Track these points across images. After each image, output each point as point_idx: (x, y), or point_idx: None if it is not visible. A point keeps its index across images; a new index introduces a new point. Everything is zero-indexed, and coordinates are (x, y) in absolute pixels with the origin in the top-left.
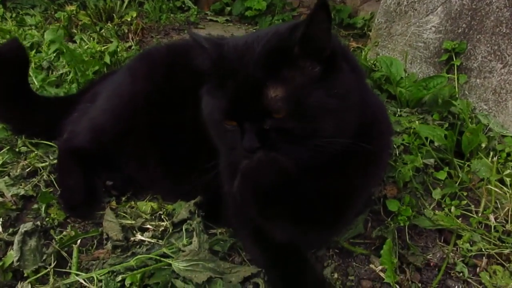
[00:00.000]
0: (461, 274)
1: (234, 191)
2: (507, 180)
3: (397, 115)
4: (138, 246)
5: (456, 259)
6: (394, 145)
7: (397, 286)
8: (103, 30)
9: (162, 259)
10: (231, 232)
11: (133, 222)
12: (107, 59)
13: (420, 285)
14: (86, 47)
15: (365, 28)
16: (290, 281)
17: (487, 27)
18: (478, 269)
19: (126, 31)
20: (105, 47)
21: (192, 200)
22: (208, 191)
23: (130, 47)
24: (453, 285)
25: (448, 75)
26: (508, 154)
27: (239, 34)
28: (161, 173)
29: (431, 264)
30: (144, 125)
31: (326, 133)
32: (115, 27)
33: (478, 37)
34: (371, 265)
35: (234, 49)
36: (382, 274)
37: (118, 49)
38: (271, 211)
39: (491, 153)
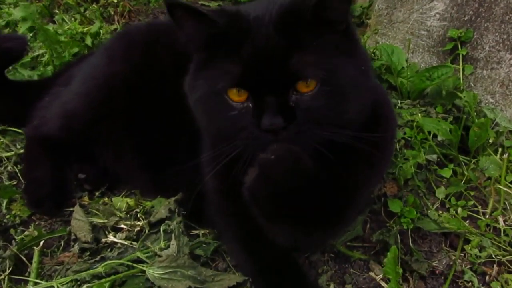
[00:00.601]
0: (470, 283)
1: (246, 187)
2: None
3: (397, 107)
4: (109, 249)
5: (464, 266)
6: (395, 139)
7: None
8: (87, 12)
9: (135, 265)
10: (216, 234)
11: (106, 221)
12: (88, 41)
13: None
14: (66, 27)
15: (363, 17)
16: None
17: (496, 14)
18: (487, 278)
19: (112, 13)
20: (87, 28)
21: (173, 197)
22: (192, 187)
23: (115, 29)
24: None
25: (453, 66)
26: None
27: None
28: (139, 165)
29: (437, 271)
30: (121, 111)
31: (351, 115)
32: (101, 8)
33: (486, 25)
34: (371, 273)
35: (249, 10)
36: (383, 284)
37: (102, 31)
38: (285, 213)
39: (499, 150)
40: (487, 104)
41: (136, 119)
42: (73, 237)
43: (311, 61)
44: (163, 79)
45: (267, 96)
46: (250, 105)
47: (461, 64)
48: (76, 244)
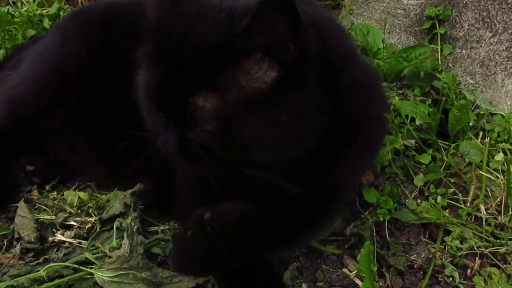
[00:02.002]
0: (451, 279)
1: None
2: (499, 164)
3: None
4: (55, 250)
5: (444, 259)
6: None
7: None
8: None
9: (81, 267)
10: (176, 230)
11: (54, 217)
12: (46, 23)
13: None
14: (24, 10)
15: None
16: None
17: None
18: (469, 272)
19: None
20: (46, 10)
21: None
22: (157, 177)
23: None
24: None
25: (431, 46)
26: (498, 135)
27: None
28: (95, 156)
29: (415, 266)
30: (75, 97)
31: (258, 161)
32: None
33: (465, 2)
34: (344, 269)
35: (181, 15)
36: (357, 281)
37: (62, 13)
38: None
39: (480, 134)
40: (466, 86)
41: (94, 107)
42: (16, 236)
43: (212, 107)
44: (123, 63)
45: (170, 121)
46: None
47: (439, 44)
48: (19, 244)
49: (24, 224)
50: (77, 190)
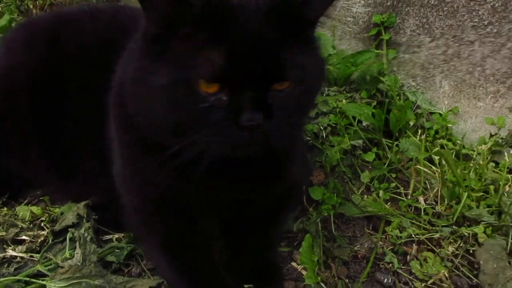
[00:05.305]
0: (391, 264)
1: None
2: (436, 159)
3: (324, 94)
4: (6, 265)
5: (385, 248)
6: (321, 127)
7: (322, 285)
8: (1, 4)
9: (34, 280)
10: (131, 238)
11: (5, 233)
12: None
13: (347, 280)
14: None
15: None
16: None
17: None
18: (408, 258)
19: (31, 6)
20: None
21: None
22: (109, 190)
23: None
24: (382, 278)
25: (378, 51)
26: (437, 132)
27: None
28: (48, 169)
29: (359, 256)
30: (26, 107)
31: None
32: (17, 1)
33: (407, 9)
34: (293, 263)
35: None
36: (305, 273)
37: (13, 24)
38: None
39: (419, 131)
40: (409, 88)
41: (44, 118)
42: None
43: (294, 59)
44: (72, 74)
45: (247, 90)
46: (224, 98)
47: (385, 49)
48: None
49: None
50: (29, 205)
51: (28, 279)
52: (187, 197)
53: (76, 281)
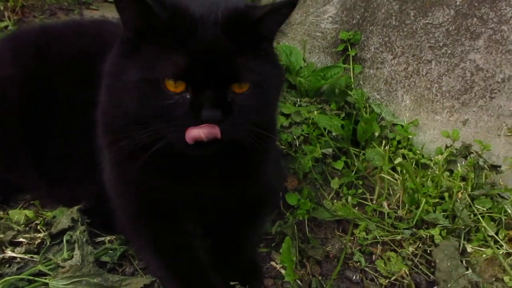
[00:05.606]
0: (359, 263)
1: None
2: (399, 168)
3: (297, 105)
4: (7, 265)
5: (353, 248)
6: (294, 136)
7: (299, 282)
8: None
9: (36, 278)
10: (123, 240)
11: (2, 236)
12: None
13: (320, 278)
14: None
15: None
16: None
17: (378, 19)
18: (374, 257)
19: (2, 8)
20: None
21: (76, 205)
22: (98, 194)
23: (6, 27)
24: (351, 275)
25: (345, 65)
26: (399, 142)
27: None
28: (37, 175)
29: (331, 255)
30: (15, 118)
31: (268, 117)
32: None
33: (371, 28)
34: (272, 262)
35: (189, 5)
36: (283, 271)
37: None
38: None
39: (384, 142)
40: (374, 100)
41: (33, 126)
42: None
43: (249, 65)
44: (58, 85)
45: (207, 90)
46: (188, 96)
47: (351, 64)
48: None
49: None
50: (22, 209)
51: (31, 277)
52: (167, 196)
53: (77, 279)
